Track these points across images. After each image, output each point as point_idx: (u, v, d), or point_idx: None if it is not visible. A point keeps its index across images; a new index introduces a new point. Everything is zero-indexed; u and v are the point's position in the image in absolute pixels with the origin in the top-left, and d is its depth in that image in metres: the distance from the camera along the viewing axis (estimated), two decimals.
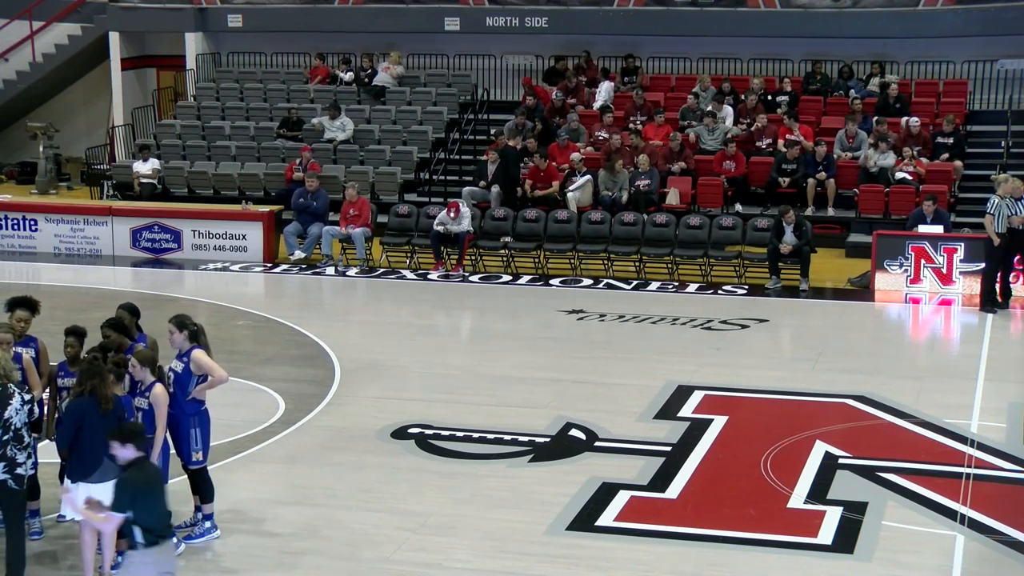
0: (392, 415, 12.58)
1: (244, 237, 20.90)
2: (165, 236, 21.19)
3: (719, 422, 12.38)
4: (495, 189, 21.42)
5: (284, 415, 12.65)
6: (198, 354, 9.52)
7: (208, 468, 9.75)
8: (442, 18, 25.85)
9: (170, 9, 27.64)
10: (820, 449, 11.59)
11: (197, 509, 9.73)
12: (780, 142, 21.92)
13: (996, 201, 17.15)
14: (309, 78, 26.52)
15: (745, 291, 18.50)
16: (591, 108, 24.05)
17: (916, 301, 18.04)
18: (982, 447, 11.65)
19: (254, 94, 26.29)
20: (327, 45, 26.97)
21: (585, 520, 10.05)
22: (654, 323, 16.64)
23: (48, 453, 9.56)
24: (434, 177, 23.55)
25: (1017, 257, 17.47)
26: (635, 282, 19.08)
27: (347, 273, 19.88)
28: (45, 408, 9.37)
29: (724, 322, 16.51)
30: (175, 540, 9.31)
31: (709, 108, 22.95)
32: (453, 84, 25.66)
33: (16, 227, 21.81)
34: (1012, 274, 17.59)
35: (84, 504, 7.69)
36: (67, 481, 8.71)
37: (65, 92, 29.78)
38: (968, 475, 10.95)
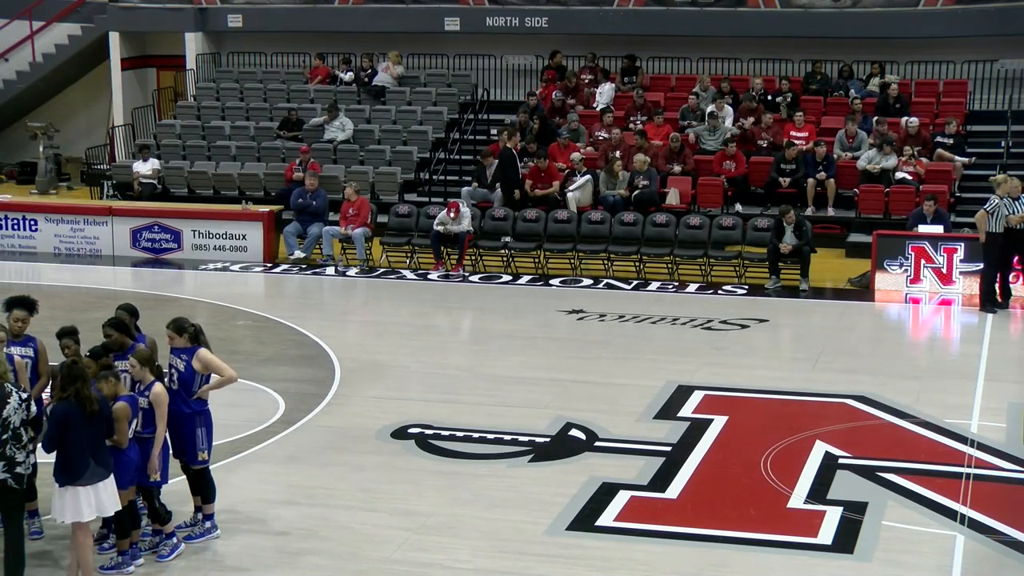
0: (392, 415, 12.58)
1: (244, 237, 20.90)
2: (165, 236, 21.19)
3: (719, 422, 12.38)
4: (497, 190, 21.42)
5: (284, 415, 12.66)
6: (204, 353, 9.52)
7: (210, 468, 9.75)
8: (442, 18, 25.84)
9: (170, 9, 27.64)
10: (820, 449, 11.59)
11: (197, 509, 9.73)
12: (786, 140, 21.93)
13: (996, 201, 17.14)
14: (309, 78, 26.52)
15: (745, 291, 18.50)
16: (592, 108, 24.05)
17: (916, 301, 18.04)
18: (982, 447, 11.64)
19: (254, 94, 26.28)
20: (327, 45, 26.96)
21: (585, 520, 10.05)
22: (654, 323, 16.64)
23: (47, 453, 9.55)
24: (434, 177, 23.55)
25: (1016, 257, 17.47)
26: (635, 282, 19.08)
27: (347, 273, 19.88)
28: (44, 407, 9.35)
29: (724, 322, 16.51)
30: (175, 540, 9.36)
31: (710, 108, 22.95)
32: (453, 84, 25.65)
33: (16, 227, 21.81)
34: (1012, 274, 17.58)
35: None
36: (56, 484, 8.70)
37: (65, 92, 29.79)
38: (968, 475, 10.95)
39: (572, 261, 19.83)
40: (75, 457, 8.54)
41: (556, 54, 25.10)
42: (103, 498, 8.67)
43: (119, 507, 8.82)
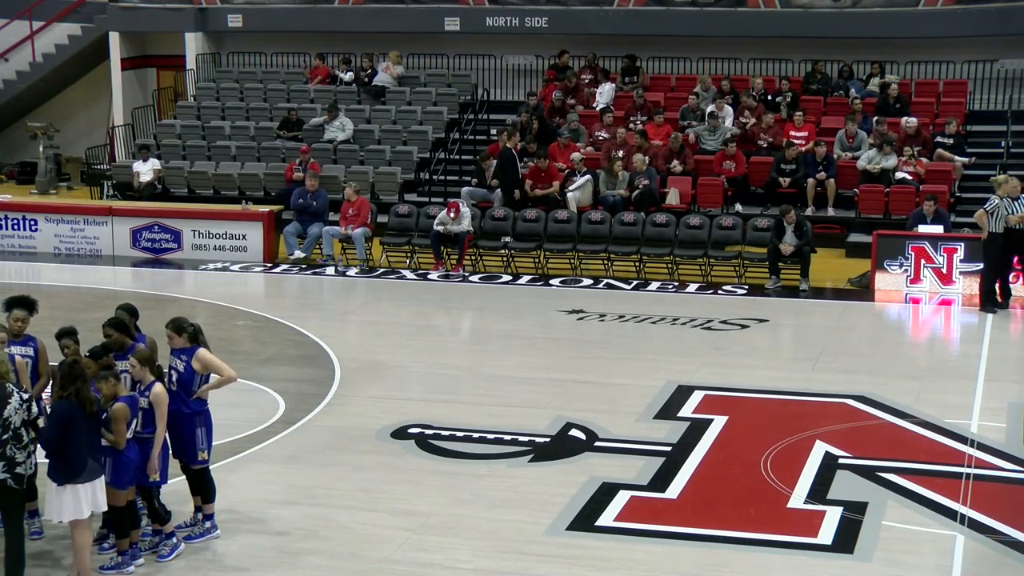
0: (392, 415, 12.58)
1: (244, 237, 20.90)
2: (165, 236, 21.19)
3: (719, 422, 12.38)
4: (496, 190, 21.43)
5: (284, 415, 12.66)
6: (204, 353, 9.52)
7: (210, 468, 9.76)
8: (442, 18, 25.84)
9: (170, 9, 27.64)
10: (820, 449, 11.59)
11: (197, 509, 9.73)
12: (786, 140, 21.94)
13: (995, 201, 17.14)
14: (309, 78, 26.52)
15: (745, 291, 18.50)
16: (591, 108, 24.05)
17: (916, 301, 18.04)
18: (982, 447, 11.64)
19: (254, 94, 26.28)
20: (327, 45, 26.96)
21: (585, 520, 10.05)
22: (654, 323, 16.64)
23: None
24: (434, 177, 23.55)
25: (1016, 257, 17.47)
26: (635, 282, 19.08)
27: (347, 273, 19.89)
28: (45, 407, 9.36)
29: (724, 322, 16.51)
30: (175, 540, 9.36)
31: (711, 108, 22.94)
32: (453, 84, 25.65)
33: (16, 227, 21.81)
34: (1012, 274, 17.58)
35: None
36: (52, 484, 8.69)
37: (65, 92, 29.79)
38: (968, 475, 10.95)
39: (572, 261, 19.82)
40: (75, 456, 8.55)
41: (563, 54, 25.07)
42: (98, 495, 8.72)
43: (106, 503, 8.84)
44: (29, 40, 29.09)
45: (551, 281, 19.27)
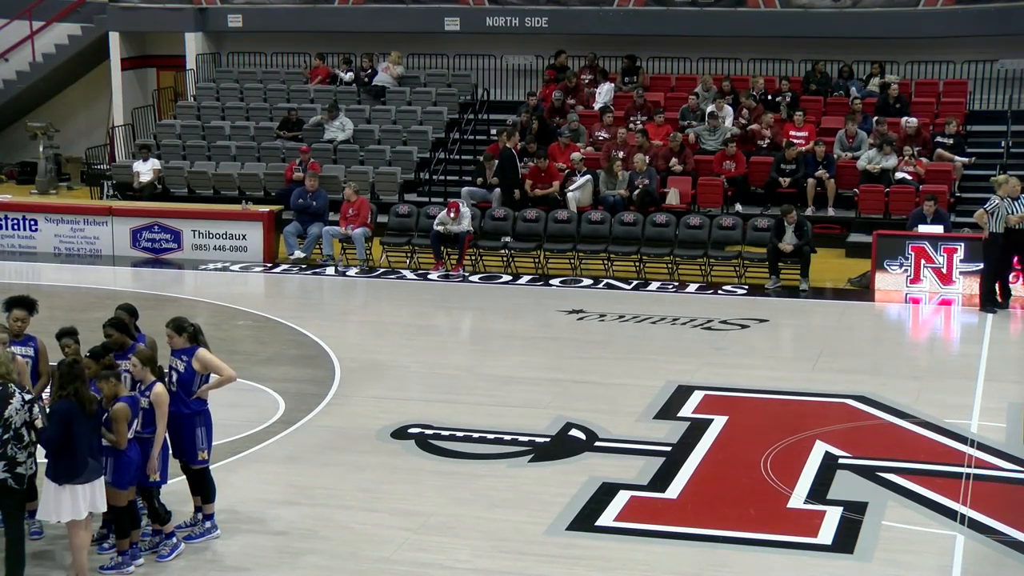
0: (392, 415, 12.59)
1: (244, 237, 20.90)
2: (165, 236, 21.19)
3: (719, 422, 12.38)
4: (496, 190, 21.43)
5: (284, 415, 12.66)
6: (204, 353, 9.53)
7: (210, 468, 9.76)
8: (442, 18, 25.84)
9: (170, 9, 27.64)
10: (820, 449, 11.59)
11: (197, 509, 9.74)
12: (786, 140, 21.94)
13: (996, 201, 17.15)
14: (309, 78, 26.52)
15: (745, 291, 18.50)
16: (591, 108, 24.05)
17: (916, 301, 18.04)
18: (982, 447, 11.65)
19: (254, 94, 26.28)
20: (327, 45, 26.97)
21: (585, 520, 10.05)
22: (654, 323, 16.64)
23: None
24: (434, 177, 23.55)
25: (1016, 257, 17.47)
26: (635, 282, 19.08)
27: (347, 273, 19.89)
28: (44, 406, 9.36)
29: (724, 322, 16.51)
30: (175, 540, 9.36)
31: (711, 108, 22.94)
32: (453, 84, 25.65)
33: (16, 227, 21.81)
34: (1012, 274, 17.58)
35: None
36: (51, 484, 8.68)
37: (65, 92, 29.78)
38: (968, 475, 10.95)
39: (572, 261, 19.82)
40: (76, 455, 8.55)
41: (561, 54, 25.05)
42: (96, 495, 8.72)
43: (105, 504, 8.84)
44: (29, 40, 29.09)
45: (551, 281, 19.27)
